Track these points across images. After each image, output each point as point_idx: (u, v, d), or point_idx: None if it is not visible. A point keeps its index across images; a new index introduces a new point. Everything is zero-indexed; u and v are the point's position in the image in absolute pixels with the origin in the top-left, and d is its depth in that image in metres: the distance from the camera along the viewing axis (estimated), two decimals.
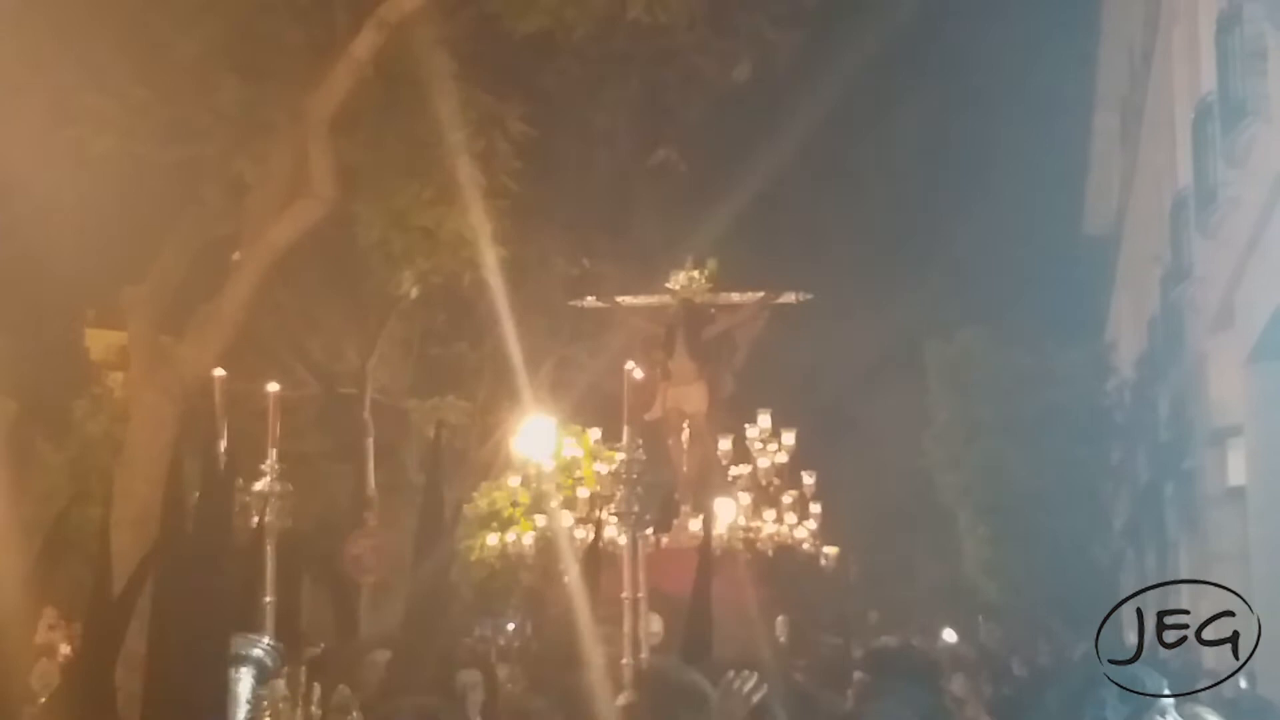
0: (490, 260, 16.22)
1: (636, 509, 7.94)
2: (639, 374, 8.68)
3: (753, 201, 21.17)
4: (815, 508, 19.00)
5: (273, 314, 18.34)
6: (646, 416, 18.87)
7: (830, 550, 19.31)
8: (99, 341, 19.26)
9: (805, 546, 18.63)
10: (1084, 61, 22.77)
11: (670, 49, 17.57)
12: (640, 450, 8.00)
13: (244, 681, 4.65)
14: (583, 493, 18.06)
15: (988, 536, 21.35)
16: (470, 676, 7.04)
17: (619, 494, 8.04)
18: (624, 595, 7.75)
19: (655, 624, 8.36)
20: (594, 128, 20.12)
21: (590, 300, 19.55)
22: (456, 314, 21.26)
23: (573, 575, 7.15)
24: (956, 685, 8.07)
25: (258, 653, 4.75)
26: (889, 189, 26.47)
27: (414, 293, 17.80)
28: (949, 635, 21.53)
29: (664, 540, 16.25)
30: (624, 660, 7.48)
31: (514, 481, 19.17)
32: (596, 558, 8.01)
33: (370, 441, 21.64)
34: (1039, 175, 24.71)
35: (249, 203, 15.24)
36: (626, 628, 7.67)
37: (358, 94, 14.77)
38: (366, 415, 21.80)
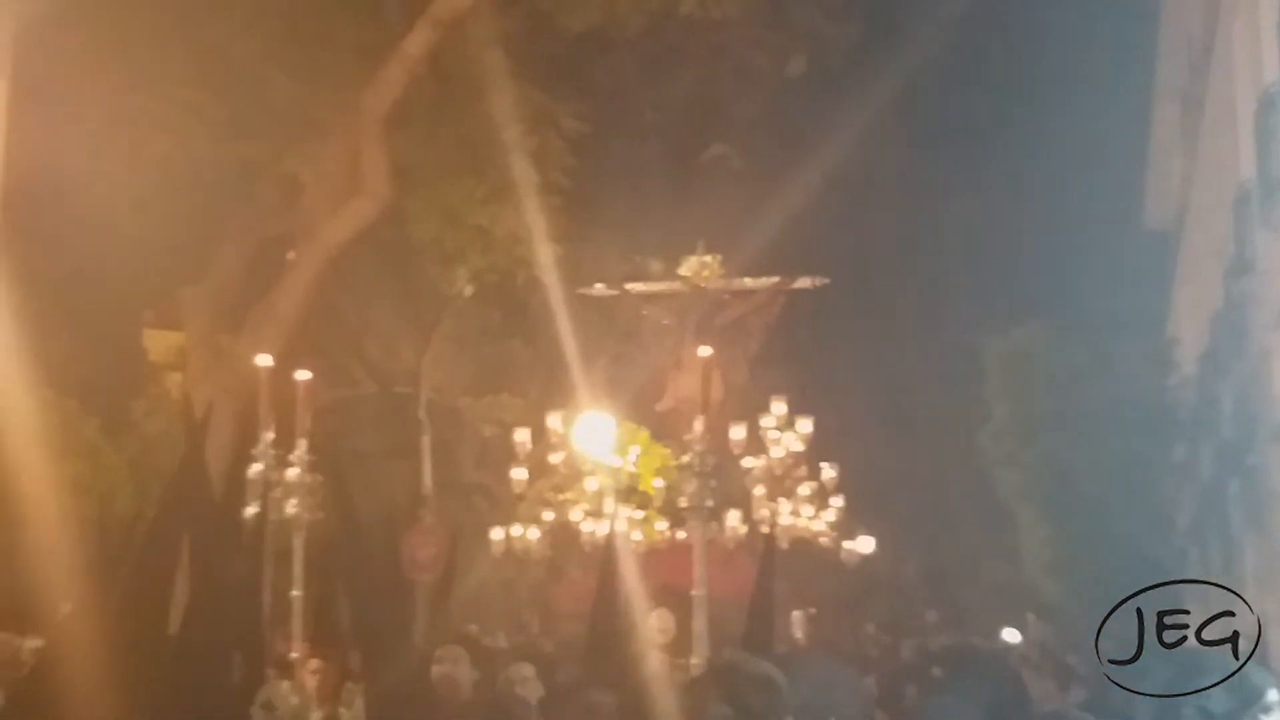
0: (544, 257, 16.21)
1: (710, 503, 7.78)
2: (713, 365, 8.57)
3: (803, 192, 20.97)
4: (837, 500, 18.57)
5: (328, 313, 18.39)
6: (657, 407, 18.67)
7: (850, 544, 18.86)
8: (157, 342, 19.36)
9: (823, 540, 18.20)
10: (1143, 52, 22.46)
11: (723, 44, 17.53)
12: (714, 442, 7.84)
13: None
14: (592, 484, 17.76)
15: (1048, 536, 21.05)
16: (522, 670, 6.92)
17: (691, 487, 7.86)
18: (694, 592, 7.63)
19: (665, 620, 8.22)
20: (647, 124, 20.06)
21: (599, 287, 19.18)
22: (510, 311, 21.25)
23: (626, 571, 7.05)
24: (1028, 684, 7.95)
25: None
26: (947, 181, 26.20)
27: (468, 290, 17.82)
28: (1010, 635, 21.23)
29: (679, 535, 16.00)
30: (693, 660, 7.38)
31: (518, 473, 18.54)
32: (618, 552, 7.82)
33: (426, 439, 21.66)
34: (1098, 168, 24.38)
35: (303, 201, 15.31)
36: (696, 625, 7.56)
37: (411, 92, 14.82)
38: (422, 414, 21.82)
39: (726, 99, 19.42)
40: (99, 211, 13.76)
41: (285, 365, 11.91)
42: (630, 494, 17.08)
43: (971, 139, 25.96)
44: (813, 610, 16.58)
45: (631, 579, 7.14)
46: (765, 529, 7.53)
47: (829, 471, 18.49)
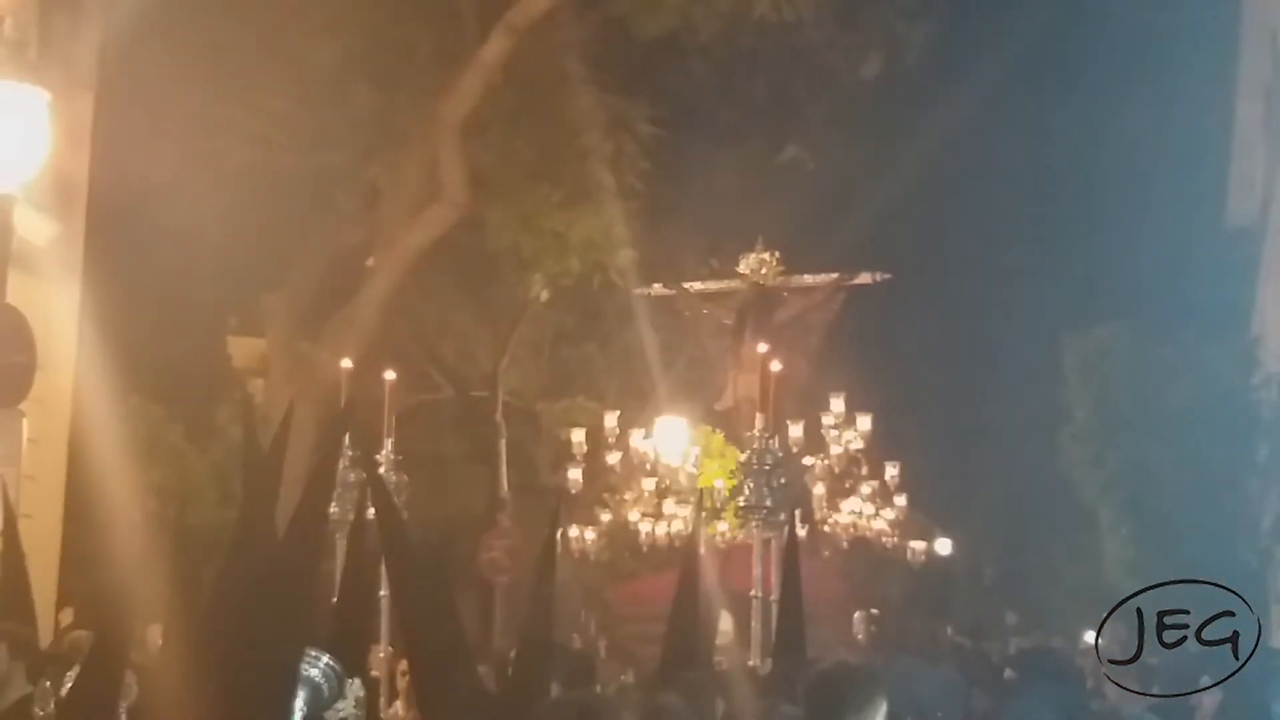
0: (619, 262, 16.30)
1: (770, 503, 7.62)
2: (777, 365, 8.50)
3: (879, 189, 20.82)
4: (900, 500, 18.38)
5: (406, 319, 18.59)
6: (717, 406, 18.53)
7: (924, 544, 18.61)
8: (240, 349, 19.69)
9: (886, 540, 17.97)
10: (1225, 47, 22.14)
11: (797, 46, 17.49)
12: (775, 440, 7.72)
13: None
14: (649, 484, 17.69)
15: (1130, 536, 20.78)
16: None
17: (749, 487, 7.68)
18: (753, 594, 7.54)
19: (724, 622, 8.11)
20: (721, 127, 20.06)
21: (657, 287, 19.04)
22: (586, 316, 21.35)
23: (703, 571, 6.99)
24: (1108, 688, 7.90)
25: (313, 674, 4.24)
26: (1025, 177, 25.97)
27: (544, 295, 17.93)
28: (1090, 638, 21.00)
29: (737, 536, 15.89)
30: (751, 662, 7.30)
31: (574, 474, 18.21)
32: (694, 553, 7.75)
33: (503, 443, 21.82)
34: (1179, 165, 24.04)
35: (382, 209, 15.53)
36: (755, 627, 7.46)
37: (487, 99, 14.97)
38: (499, 418, 21.97)
39: (801, 101, 19.36)
40: (183, 220, 14.03)
41: (365, 370, 12.08)
42: (689, 495, 17.04)
43: (1050, 136, 25.72)
44: (874, 611, 16.39)
45: (709, 580, 7.12)
46: (787, 526, 7.24)
47: (891, 470, 18.35)
